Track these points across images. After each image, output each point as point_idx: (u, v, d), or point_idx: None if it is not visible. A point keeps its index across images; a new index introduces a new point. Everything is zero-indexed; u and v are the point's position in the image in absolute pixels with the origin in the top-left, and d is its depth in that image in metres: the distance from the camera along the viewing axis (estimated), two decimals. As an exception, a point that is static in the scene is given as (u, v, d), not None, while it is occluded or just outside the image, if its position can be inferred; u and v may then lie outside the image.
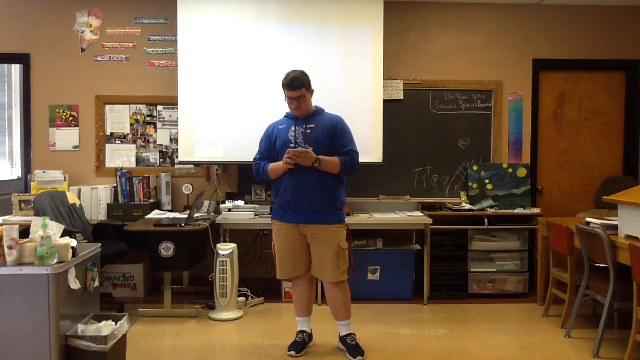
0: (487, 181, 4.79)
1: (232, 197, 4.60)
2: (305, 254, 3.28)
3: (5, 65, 4.81)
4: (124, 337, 2.80)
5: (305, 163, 3.10)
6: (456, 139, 4.87)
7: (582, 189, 5.01)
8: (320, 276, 3.28)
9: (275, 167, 3.22)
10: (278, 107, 4.37)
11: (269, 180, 3.32)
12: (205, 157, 4.49)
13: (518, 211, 4.61)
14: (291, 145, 3.20)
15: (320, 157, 3.12)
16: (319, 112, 3.32)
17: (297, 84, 3.15)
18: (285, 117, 3.37)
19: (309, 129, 3.22)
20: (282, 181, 3.22)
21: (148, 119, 4.80)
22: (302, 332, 3.38)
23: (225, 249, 3.99)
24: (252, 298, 4.33)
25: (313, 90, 3.28)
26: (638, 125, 4.95)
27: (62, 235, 2.67)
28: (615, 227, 3.38)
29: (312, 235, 3.20)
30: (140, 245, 4.09)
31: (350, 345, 3.27)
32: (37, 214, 3.80)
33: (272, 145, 3.31)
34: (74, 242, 2.68)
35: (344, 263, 3.21)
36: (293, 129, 3.24)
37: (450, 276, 4.51)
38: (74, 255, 2.65)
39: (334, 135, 3.22)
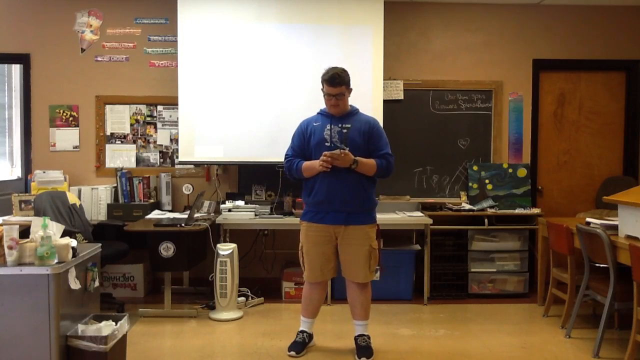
0: (487, 181, 4.79)
1: (232, 197, 4.60)
2: (333, 257, 3.23)
3: (5, 65, 4.81)
4: (124, 337, 2.80)
5: (342, 165, 3.05)
6: (456, 139, 4.87)
7: (582, 189, 5.01)
8: (350, 277, 3.23)
9: (310, 167, 3.15)
10: (279, 107, 4.42)
11: (300, 179, 3.25)
12: (205, 157, 4.48)
13: (518, 211, 4.61)
14: (326, 144, 3.15)
15: (358, 158, 3.08)
16: (354, 111, 3.27)
17: (338, 81, 3.09)
18: (319, 113, 3.30)
19: (345, 128, 3.17)
20: (315, 180, 3.16)
21: (148, 119, 4.80)
22: (302, 332, 3.37)
23: (225, 249, 3.98)
24: (252, 298, 4.32)
25: (351, 89, 3.22)
26: (638, 125, 4.95)
27: (62, 235, 2.67)
28: (615, 227, 3.38)
29: (343, 236, 3.16)
30: (140, 245, 4.09)
31: (360, 345, 3.24)
32: (37, 214, 3.80)
33: (305, 141, 3.24)
34: (74, 242, 2.68)
35: (374, 263, 3.19)
36: (328, 127, 3.18)
37: (450, 276, 4.51)
38: (74, 255, 2.65)
39: (369, 137, 3.18)
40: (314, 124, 3.24)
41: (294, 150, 3.28)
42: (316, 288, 3.31)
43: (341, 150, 3.05)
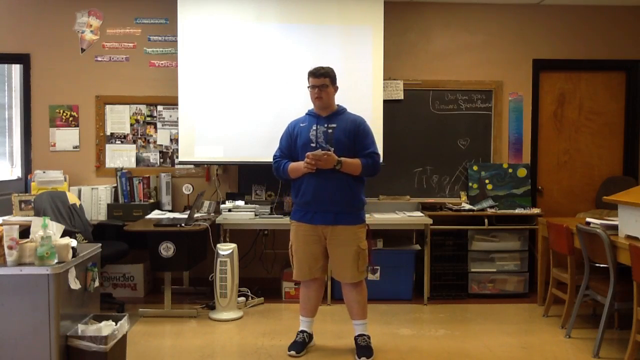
0: (487, 181, 4.79)
1: (232, 197, 4.60)
2: (322, 256, 3.24)
3: (5, 65, 4.81)
4: (124, 337, 2.80)
5: (326, 166, 3.06)
6: (456, 139, 4.87)
7: (582, 189, 5.01)
8: (339, 277, 3.24)
9: (296, 167, 3.17)
10: (279, 107, 4.42)
11: (288, 179, 3.27)
12: (205, 157, 4.49)
13: (518, 211, 4.61)
14: (312, 145, 3.16)
15: (342, 159, 3.08)
16: (341, 111, 3.28)
17: (322, 72, 3.16)
18: (306, 114, 3.32)
19: (331, 128, 3.18)
20: (302, 181, 3.17)
21: (148, 119, 4.80)
22: (302, 332, 3.37)
23: (225, 249, 3.99)
24: (252, 298, 4.32)
25: (337, 87, 3.26)
26: (638, 125, 4.95)
27: (62, 235, 2.67)
28: (615, 227, 3.38)
29: (331, 236, 3.16)
30: (140, 245, 4.09)
31: (360, 345, 3.24)
32: (37, 214, 3.80)
33: (292, 142, 3.26)
34: (74, 242, 2.68)
35: (363, 263, 3.19)
36: (314, 127, 3.19)
37: (450, 276, 4.51)
38: (74, 255, 2.65)
39: (355, 136, 3.18)
40: (301, 125, 3.27)
41: (282, 151, 3.31)
42: (312, 286, 3.32)
43: (324, 152, 3.06)
